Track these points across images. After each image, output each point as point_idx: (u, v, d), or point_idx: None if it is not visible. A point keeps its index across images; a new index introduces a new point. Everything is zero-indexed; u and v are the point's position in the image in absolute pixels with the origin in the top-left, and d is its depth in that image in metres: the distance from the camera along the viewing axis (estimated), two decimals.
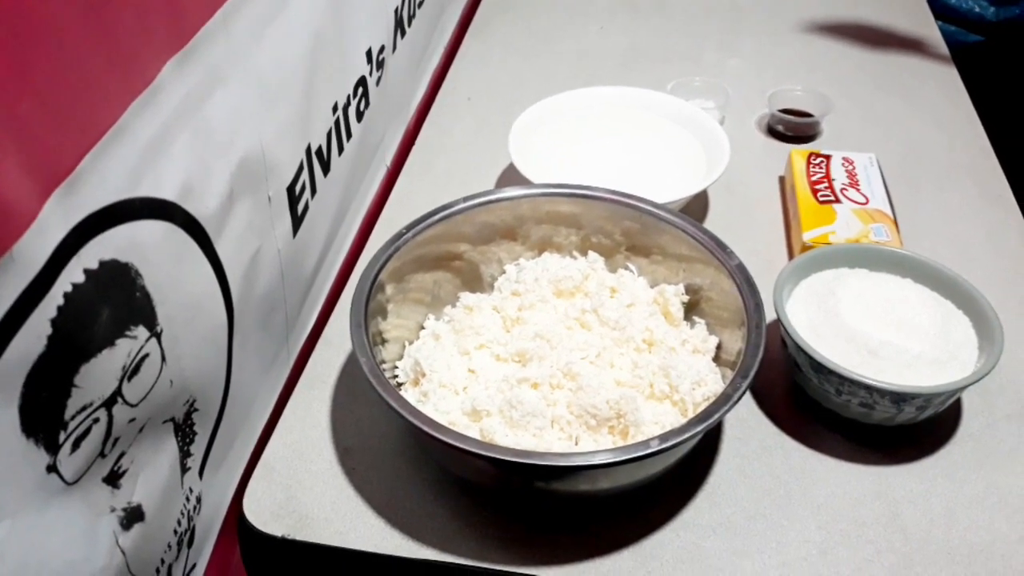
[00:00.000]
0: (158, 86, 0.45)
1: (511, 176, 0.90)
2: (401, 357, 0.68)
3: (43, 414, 0.39)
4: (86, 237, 0.40)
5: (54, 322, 0.38)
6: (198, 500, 0.57)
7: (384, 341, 0.66)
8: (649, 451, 0.53)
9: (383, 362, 0.64)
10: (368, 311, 0.62)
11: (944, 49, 1.13)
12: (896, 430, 0.66)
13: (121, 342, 0.44)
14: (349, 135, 0.76)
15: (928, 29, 1.18)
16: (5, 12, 0.34)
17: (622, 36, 1.18)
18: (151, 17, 0.44)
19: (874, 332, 0.65)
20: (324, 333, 0.76)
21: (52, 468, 0.40)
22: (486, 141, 0.97)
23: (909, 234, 0.82)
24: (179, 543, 0.55)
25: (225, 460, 0.62)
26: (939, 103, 1.04)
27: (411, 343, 0.69)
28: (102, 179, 0.41)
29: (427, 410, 0.61)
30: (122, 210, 0.43)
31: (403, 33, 0.90)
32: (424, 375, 0.65)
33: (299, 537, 0.61)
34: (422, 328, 0.71)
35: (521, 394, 0.61)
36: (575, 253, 0.74)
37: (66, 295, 0.39)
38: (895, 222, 0.80)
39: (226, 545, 0.63)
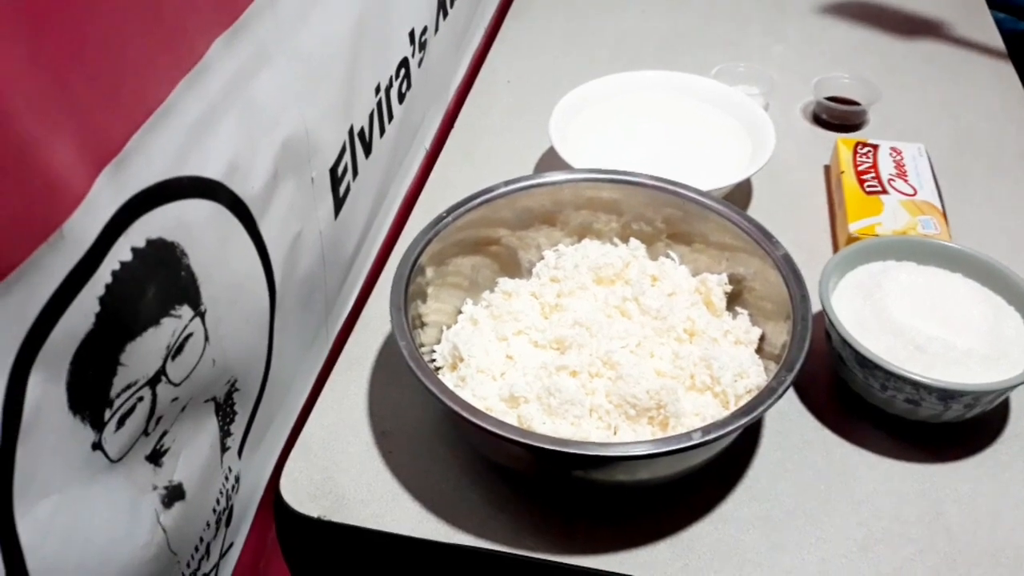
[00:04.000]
0: (206, 64, 0.45)
1: (550, 160, 0.89)
2: (439, 341, 0.67)
3: (90, 391, 0.39)
4: (134, 215, 0.40)
5: (102, 300, 0.38)
6: (236, 480, 0.58)
7: (423, 324, 0.65)
8: (691, 443, 0.52)
9: (422, 345, 0.64)
10: (408, 294, 0.62)
11: (997, 37, 1.10)
12: (941, 428, 0.64)
13: (166, 321, 0.44)
14: (391, 117, 0.76)
15: (980, 16, 1.15)
16: None
17: (664, 19, 1.16)
18: None
19: (922, 327, 0.63)
20: (362, 315, 0.76)
21: (97, 445, 0.41)
22: (525, 124, 0.96)
23: (958, 227, 0.80)
24: (217, 522, 0.55)
25: (263, 440, 0.62)
26: (991, 92, 1.01)
27: (449, 327, 0.68)
28: (150, 157, 0.41)
29: (465, 395, 0.61)
30: (169, 189, 0.43)
31: (445, 14, 0.89)
32: (462, 360, 0.64)
33: (335, 519, 0.61)
34: (460, 313, 0.70)
35: (560, 382, 0.60)
36: (615, 240, 0.73)
37: (114, 273, 0.39)
38: (944, 214, 0.78)
39: (262, 525, 0.64)
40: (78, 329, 0.37)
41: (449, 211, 0.68)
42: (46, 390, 0.36)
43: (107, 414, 0.41)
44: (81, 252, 0.37)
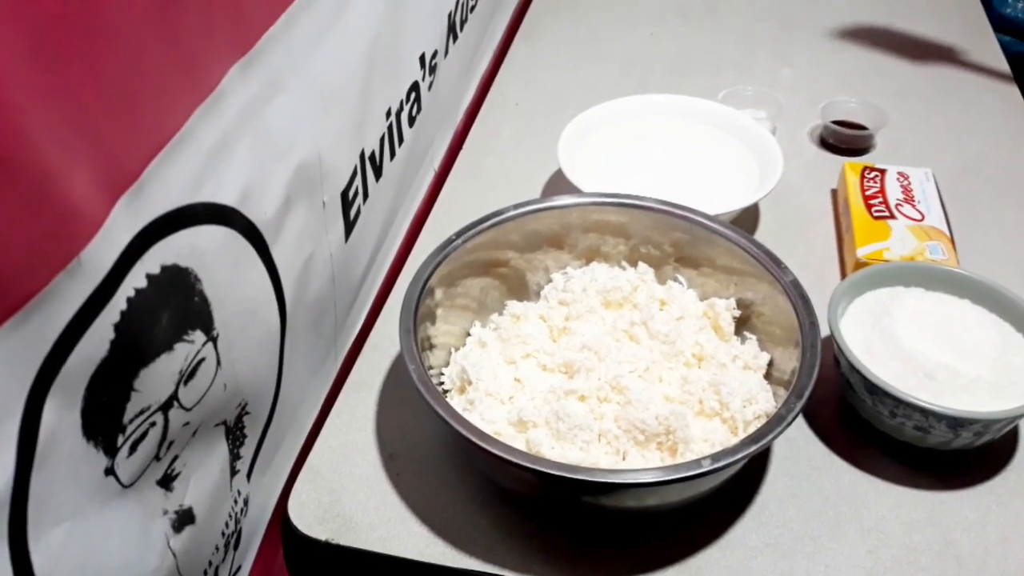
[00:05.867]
0: (222, 92, 0.45)
1: (558, 182, 0.89)
2: (447, 363, 0.67)
3: (104, 417, 0.39)
4: (150, 242, 0.41)
5: (117, 327, 0.39)
6: (245, 502, 0.58)
7: (432, 346, 0.66)
8: (701, 471, 0.52)
9: (430, 368, 0.64)
10: (417, 316, 0.62)
11: (1003, 61, 1.11)
12: (951, 455, 0.64)
13: (179, 346, 0.44)
14: (401, 140, 0.76)
15: (987, 40, 1.15)
16: (80, 18, 0.34)
17: (673, 43, 1.17)
18: (216, 22, 0.44)
19: (930, 354, 0.63)
20: (371, 336, 0.76)
21: (110, 471, 0.41)
22: (533, 146, 0.97)
23: (966, 253, 0.80)
24: (226, 545, 0.55)
25: (272, 463, 0.62)
26: (997, 116, 1.01)
27: (457, 349, 0.69)
28: (166, 184, 0.41)
29: (473, 419, 0.61)
30: (184, 215, 0.43)
31: (455, 38, 0.90)
32: (470, 383, 0.64)
33: (342, 542, 0.61)
34: (468, 335, 0.70)
35: (568, 406, 0.60)
36: (623, 263, 0.73)
37: (129, 300, 0.39)
38: (952, 240, 0.78)
39: (270, 548, 0.64)
40: (93, 356, 0.38)
41: (458, 234, 0.68)
42: (61, 416, 0.37)
43: (120, 440, 0.41)
44: (98, 280, 0.37)
